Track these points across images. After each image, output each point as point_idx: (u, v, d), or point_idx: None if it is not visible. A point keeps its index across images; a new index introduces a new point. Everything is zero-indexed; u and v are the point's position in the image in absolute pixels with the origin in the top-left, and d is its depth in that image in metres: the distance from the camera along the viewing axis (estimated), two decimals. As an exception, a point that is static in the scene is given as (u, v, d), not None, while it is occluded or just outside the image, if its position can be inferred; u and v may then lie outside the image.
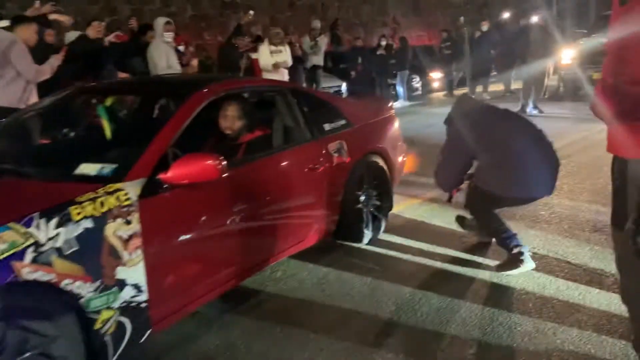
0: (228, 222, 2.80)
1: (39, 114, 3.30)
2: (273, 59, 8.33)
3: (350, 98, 4.75)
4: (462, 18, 14.32)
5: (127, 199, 2.35)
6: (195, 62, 6.89)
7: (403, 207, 4.81)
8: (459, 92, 13.52)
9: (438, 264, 3.68)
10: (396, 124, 4.50)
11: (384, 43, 13.39)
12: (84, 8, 12.25)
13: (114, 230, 2.26)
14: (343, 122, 3.81)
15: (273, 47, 8.42)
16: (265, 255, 3.13)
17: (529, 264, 3.41)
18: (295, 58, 9.55)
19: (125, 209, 2.32)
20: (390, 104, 4.60)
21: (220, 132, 3.38)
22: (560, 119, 9.41)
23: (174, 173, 2.49)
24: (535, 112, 9.93)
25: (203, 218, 2.67)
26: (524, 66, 10.02)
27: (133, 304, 2.31)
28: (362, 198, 3.94)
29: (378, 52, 13.22)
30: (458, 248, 3.88)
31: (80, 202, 2.19)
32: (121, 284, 2.27)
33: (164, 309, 2.48)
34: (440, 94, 14.02)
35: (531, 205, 4.67)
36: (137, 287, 2.33)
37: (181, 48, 8.82)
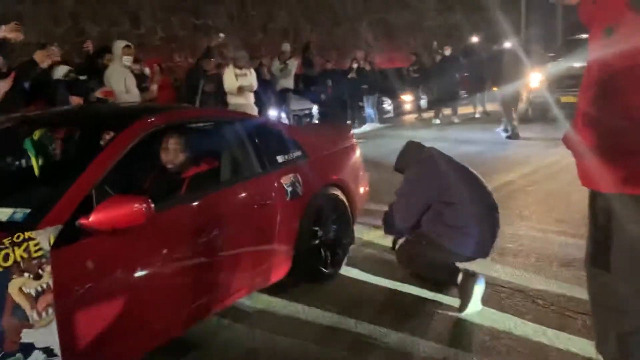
0: (164, 268, 2.54)
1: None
2: (238, 82, 8.20)
3: (308, 127, 4.53)
4: (435, 42, 14.35)
5: (38, 250, 2.07)
6: (155, 87, 6.63)
7: (366, 238, 4.58)
8: (429, 114, 13.53)
9: (399, 300, 3.46)
10: (357, 153, 4.30)
11: (355, 66, 13.33)
12: (49, 29, 11.95)
13: (20, 287, 1.98)
14: (298, 153, 3.59)
15: (238, 70, 8.31)
16: (210, 302, 2.86)
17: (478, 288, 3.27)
18: (263, 81, 9.39)
19: (35, 261, 2.05)
20: (351, 132, 4.40)
21: (163, 166, 3.13)
22: (529, 143, 9.38)
23: (95, 218, 2.22)
24: (504, 134, 9.90)
25: (133, 265, 2.39)
26: (497, 90, 10.03)
27: (43, 371, 2.02)
28: (320, 233, 3.71)
29: (349, 76, 13.15)
30: (421, 284, 3.64)
31: (-21, 256, 1.91)
32: (27, 349, 1.98)
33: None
34: (412, 117, 13.96)
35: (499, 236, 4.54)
36: (48, 351, 2.04)
37: (147, 70, 8.58)
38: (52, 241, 2.13)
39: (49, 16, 12.23)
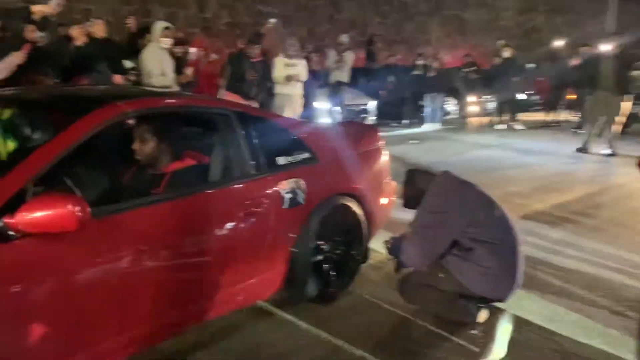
0: (113, 281, 2.17)
1: None
2: (286, 72, 7.88)
3: (324, 127, 4.05)
4: (500, 42, 13.32)
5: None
6: (190, 70, 6.37)
7: (384, 256, 4.07)
8: (494, 118, 12.65)
9: (408, 335, 2.98)
10: (382, 158, 3.79)
11: (420, 62, 12.67)
12: (117, 9, 12.09)
13: None
14: (305, 155, 3.14)
15: (287, 60, 8.04)
16: (177, 319, 2.49)
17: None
18: (312, 72, 9.01)
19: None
20: (377, 134, 3.89)
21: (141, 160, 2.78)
22: (599, 159, 8.44)
23: (20, 219, 1.88)
24: (607, 152, 8.57)
25: (68, 278, 2.04)
26: (591, 99, 8.95)
27: None
28: (325, 248, 3.26)
29: (414, 72, 12.50)
30: (437, 319, 3.11)
31: None
32: None
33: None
34: (476, 120, 13.03)
35: (541, 264, 3.94)
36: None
37: (193, 51, 8.37)
38: (-35, 242, 1.81)
39: (119, -4, 12.39)
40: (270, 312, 3.17)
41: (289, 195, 2.94)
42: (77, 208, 1.90)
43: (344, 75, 10.72)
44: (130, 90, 3.27)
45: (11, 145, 2.62)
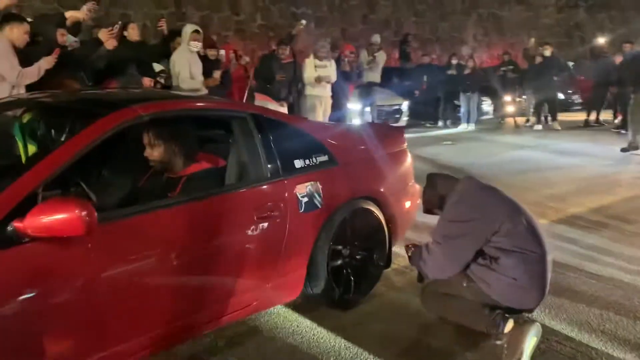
0: (125, 284, 2.17)
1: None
2: (317, 73, 7.88)
3: (345, 128, 3.98)
4: (532, 40, 12.97)
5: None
6: (218, 73, 6.40)
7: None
8: (531, 118, 12.30)
9: (432, 344, 2.86)
10: (406, 161, 3.70)
11: (454, 62, 12.43)
12: (153, 12, 12.31)
13: None
14: (324, 158, 3.08)
15: (318, 61, 8.06)
16: (191, 323, 2.47)
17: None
18: (343, 73, 8.96)
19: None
20: (402, 136, 3.80)
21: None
22: (638, 161, 8.09)
23: (29, 223, 1.89)
24: None
25: (78, 282, 2.04)
26: (635, 97, 8.66)
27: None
28: (345, 253, 3.20)
29: (448, 72, 12.28)
30: (460, 328, 2.99)
31: None
32: None
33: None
34: (513, 120, 12.68)
35: (573, 271, 3.79)
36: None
37: (222, 54, 8.42)
38: (-26, 245, 1.83)
39: (155, 0, 12.62)
40: (289, 318, 3.13)
41: (305, 199, 2.89)
42: (85, 212, 1.89)
43: (376, 76, 10.63)
44: (148, 94, 3.26)
45: (32, 148, 2.66)
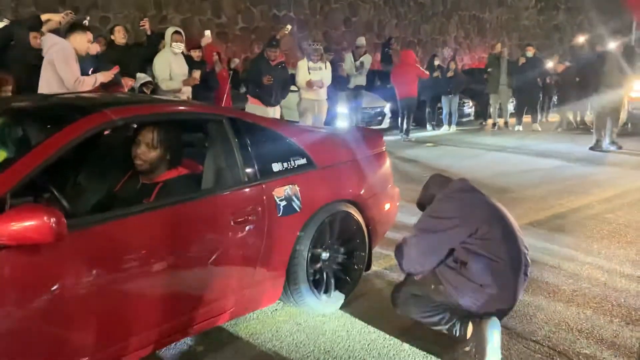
0: (97, 292, 2.13)
1: None
2: (310, 77, 7.80)
3: (323, 132, 3.96)
4: (500, 45, 13.11)
5: None
6: (197, 73, 6.35)
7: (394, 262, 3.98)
8: (512, 120, 12.43)
9: (407, 350, 2.85)
10: (386, 164, 3.70)
11: (436, 63, 12.48)
12: (134, 16, 12.21)
13: None
14: (302, 161, 3.07)
15: (312, 64, 7.92)
16: (167, 329, 2.44)
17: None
18: (339, 77, 8.87)
19: None
20: (380, 139, 3.80)
21: (134, 170, 2.74)
22: (619, 161, 8.22)
23: (-4, 229, 1.85)
24: (613, 148, 8.81)
25: (47, 290, 1.99)
26: (596, 96, 8.92)
27: None
28: (324, 256, 3.18)
29: (434, 75, 12.30)
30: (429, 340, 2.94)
31: None
32: None
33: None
34: (497, 121, 12.79)
35: (551, 271, 3.81)
36: None
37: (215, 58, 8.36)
38: (-61, 253, 1.78)
39: (135, 4, 12.52)
40: (268, 323, 3.11)
41: (284, 203, 2.87)
42: (53, 219, 1.86)
43: (362, 79, 10.55)
44: (122, 98, 3.22)
45: (2, 154, 2.60)
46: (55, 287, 2.00)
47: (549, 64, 12.28)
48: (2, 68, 4.62)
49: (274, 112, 7.28)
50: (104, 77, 4.93)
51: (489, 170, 7.33)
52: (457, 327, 2.72)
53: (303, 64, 7.94)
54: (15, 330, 1.92)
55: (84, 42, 4.91)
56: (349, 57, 10.75)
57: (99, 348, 2.17)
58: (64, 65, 4.59)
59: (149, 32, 7.34)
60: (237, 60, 12.52)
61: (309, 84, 7.79)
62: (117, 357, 2.25)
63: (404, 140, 10.66)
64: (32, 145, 2.16)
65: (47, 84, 4.61)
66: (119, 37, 6.88)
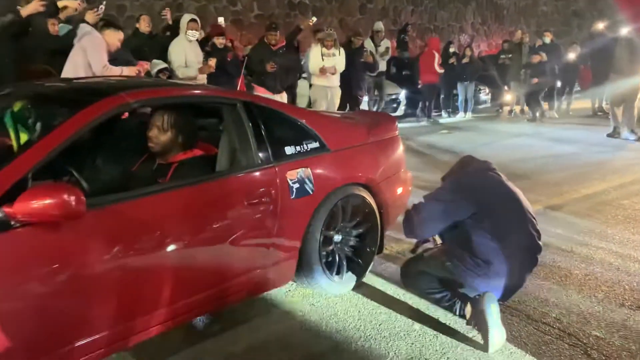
0: (116, 268, 2.20)
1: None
2: (322, 63, 7.71)
3: (336, 116, 3.99)
4: (520, 30, 12.92)
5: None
6: (213, 61, 6.38)
7: (407, 246, 4.01)
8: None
9: (418, 330, 2.90)
10: (399, 148, 3.72)
11: (452, 50, 12.37)
12: (150, 4, 12.27)
13: None
14: (315, 145, 3.10)
15: (325, 50, 7.76)
16: (173, 312, 2.48)
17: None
18: (364, 64, 8.78)
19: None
20: (394, 123, 3.82)
21: (150, 151, 2.80)
22: (635, 148, 8.11)
23: (18, 208, 1.92)
24: (631, 137, 8.58)
25: (69, 266, 2.07)
26: (609, 83, 8.82)
27: None
28: (337, 239, 3.23)
29: (450, 61, 12.20)
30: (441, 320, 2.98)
31: None
32: None
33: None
34: (512, 108, 12.69)
35: (564, 255, 3.82)
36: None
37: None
38: (-36, 229, 1.86)
39: (151, -10, 12.56)
40: (281, 303, 3.17)
41: (296, 185, 2.92)
42: (73, 198, 1.92)
43: (383, 65, 10.34)
44: (138, 82, 3.28)
45: (24, 136, 2.68)
46: (75, 263, 2.07)
47: (571, 55, 12.04)
48: (23, 55, 4.73)
49: (280, 99, 7.22)
50: (129, 70, 5.13)
51: (505, 157, 7.29)
52: (457, 306, 2.79)
53: (316, 51, 7.78)
54: (37, 305, 2.00)
55: (115, 39, 5.12)
56: (368, 42, 10.48)
57: (115, 323, 2.24)
58: (95, 52, 4.82)
59: (170, 22, 7.38)
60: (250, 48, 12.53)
61: (322, 71, 7.70)
62: (134, 333, 2.33)
63: (430, 123, 10.87)
64: (51, 127, 2.21)
65: (73, 68, 4.81)
66: (144, 25, 6.97)
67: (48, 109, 2.79)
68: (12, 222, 1.94)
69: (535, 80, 10.95)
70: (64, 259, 2.05)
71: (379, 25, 10.89)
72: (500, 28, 19.46)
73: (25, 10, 4.56)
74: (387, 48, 10.35)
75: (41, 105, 2.79)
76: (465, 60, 11.95)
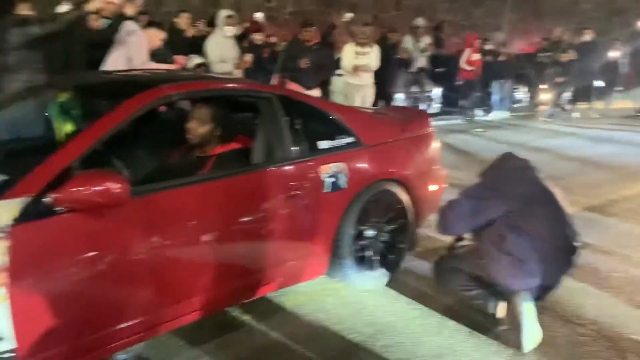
0: (155, 256, 2.27)
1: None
2: (356, 61, 7.54)
3: (371, 111, 4.00)
4: (559, 29, 12.65)
5: (-5, 223, 1.89)
6: (249, 57, 6.45)
7: (440, 243, 3.99)
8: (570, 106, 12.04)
9: (452, 327, 2.89)
10: (432, 145, 3.71)
11: (487, 48, 12.18)
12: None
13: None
14: (349, 140, 3.12)
15: (359, 48, 7.55)
16: (216, 297, 2.55)
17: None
18: (399, 60, 8.70)
19: (-10, 235, 1.87)
20: (427, 120, 3.80)
21: (188, 143, 2.87)
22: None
23: (65, 194, 1.99)
24: None
25: (112, 251, 2.14)
26: None
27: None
28: (369, 234, 3.24)
29: (485, 59, 12.01)
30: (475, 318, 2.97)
31: None
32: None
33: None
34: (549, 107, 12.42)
35: (602, 257, 3.73)
36: (-7, 334, 1.87)
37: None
38: (14, 214, 1.94)
39: (188, -14, 12.73)
40: (313, 296, 3.20)
41: (330, 180, 2.94)
42: (117, 186, 1.99)
43: (425, 61, 10.25)
44: (177, 75, 3.36)
45: (68, 127, 2.78)
46: (117, 250, 2.14)
47: (615, 54, 11.71)
48: (69, 48, 4.86)
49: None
50: (168, 68, 5.20)
51: (542, 157, 7.15)
52: (491, 304, 2.76)
53: (350, 48, 7.59)
54: (80, 289, 2.08)
55: (157, 38, 5.27)
56: (408, 38, 10.32)
57: (152, 309, 2.30)
58: (137, 50, 4.94)
59: (203, 32, 7.44)
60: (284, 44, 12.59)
61: (356, 69, 7.53)
62: (168, 320, 2.39)
63: (470, 120, 10.92)
64: (95, 118, 2.28)
65: (114, 62, 4.90)
66: (183, 23, 7.09)
67: (92, 100, 2.89)
68: (59, 208, 2.02)
69: (561, 79, 10.76)
70: (107, 245, 2.13)
71: (420, 20, 10.67)
72: (539, 25, 19.04)
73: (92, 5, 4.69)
74: (428, 44, 10.21)
75: (86, 97, 2.88)
76: (501, 58, 11.76)
